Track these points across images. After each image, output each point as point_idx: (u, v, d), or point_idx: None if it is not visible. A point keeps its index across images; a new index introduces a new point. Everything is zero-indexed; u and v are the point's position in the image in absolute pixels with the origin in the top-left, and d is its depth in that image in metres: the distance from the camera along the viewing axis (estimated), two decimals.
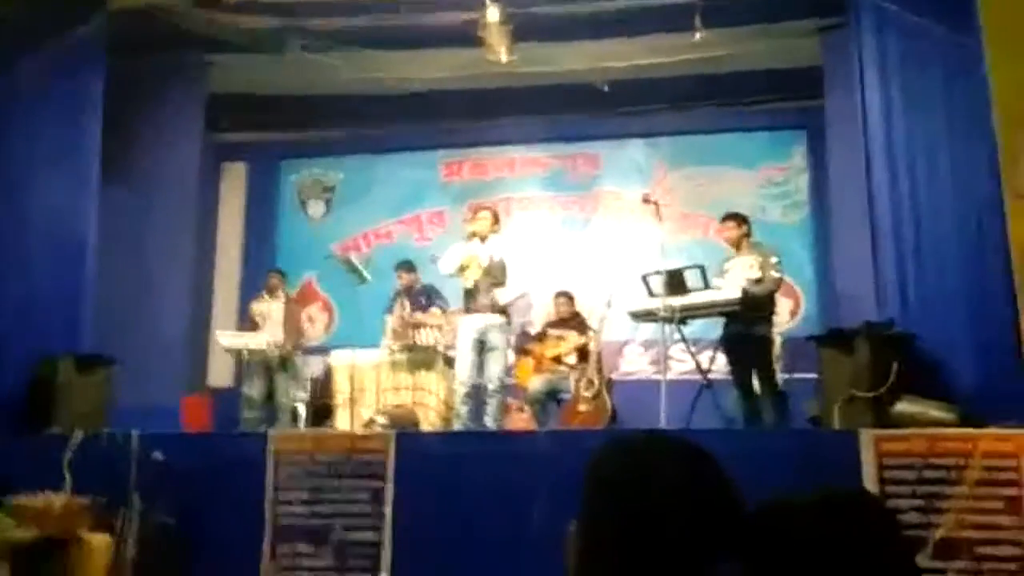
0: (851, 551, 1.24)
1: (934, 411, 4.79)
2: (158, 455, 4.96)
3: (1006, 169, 4.94)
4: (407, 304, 7.50)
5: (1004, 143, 4.98)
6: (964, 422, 4.67)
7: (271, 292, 8.12)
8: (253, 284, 8.84)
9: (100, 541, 4.72)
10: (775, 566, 1.25)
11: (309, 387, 7.92)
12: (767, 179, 9.08)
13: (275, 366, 7.77)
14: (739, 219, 6.40)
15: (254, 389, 7.71)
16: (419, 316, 7.42)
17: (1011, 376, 4.82)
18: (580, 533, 1.29)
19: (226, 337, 7.91)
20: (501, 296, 6.40)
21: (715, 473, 1.28)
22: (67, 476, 4.84)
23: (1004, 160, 4.96)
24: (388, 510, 4.77)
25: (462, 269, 6.46)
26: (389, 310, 7.59)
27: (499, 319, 6.49)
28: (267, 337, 7.71)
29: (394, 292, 7.73)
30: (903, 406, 4.85)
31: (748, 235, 6.36)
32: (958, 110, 5.70)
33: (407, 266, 7.80)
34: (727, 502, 1.26)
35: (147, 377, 7.19)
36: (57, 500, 4.73)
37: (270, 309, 8.00)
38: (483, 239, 6.55)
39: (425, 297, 7.56)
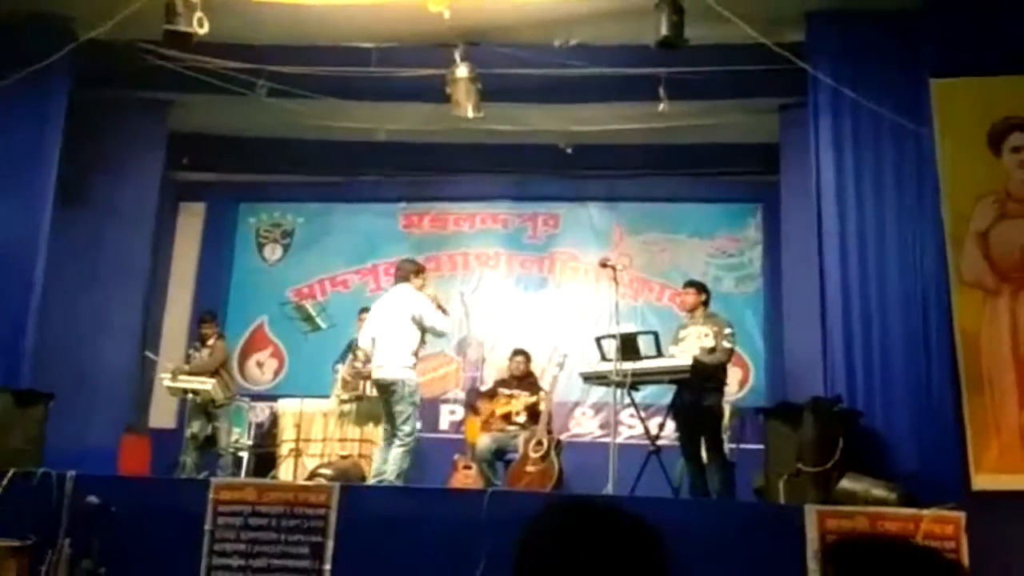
0: None
1: (876, 489, 4.86)
2: (92, 499, 4.82)
3: (953, 256, 5.10)
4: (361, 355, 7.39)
5: (951, 231, 5.16)
6: (904, 501, 4.74)
7: (204, 341, 7.98)
8: None
9: None
10: None
11: (253, 434, 7.75)
12: (722, 249, 9.23)
13: (213, 412, 7.61)
14: (700, 287, 6.57)
15: (196, 427, 7.53)
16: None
17: (951, 458, 4.91)
18: None
19: (170, 380, 7.74)
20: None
21: (650, 546, 1.26)
22: None
23: (951, 247, 5.13)
24: (328, 567, 4.67)
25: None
26: (342, 359, 7.49)
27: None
28: (213, 381, 7.56)
29: (350, 341, 7.62)
30: (847, 483, 4.91)
31: (706, 304, 6.47)
32: (908, 195, 5.89)
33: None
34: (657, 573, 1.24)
35: (88, 415, 7.01)
36: None
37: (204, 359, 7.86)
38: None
39: None
